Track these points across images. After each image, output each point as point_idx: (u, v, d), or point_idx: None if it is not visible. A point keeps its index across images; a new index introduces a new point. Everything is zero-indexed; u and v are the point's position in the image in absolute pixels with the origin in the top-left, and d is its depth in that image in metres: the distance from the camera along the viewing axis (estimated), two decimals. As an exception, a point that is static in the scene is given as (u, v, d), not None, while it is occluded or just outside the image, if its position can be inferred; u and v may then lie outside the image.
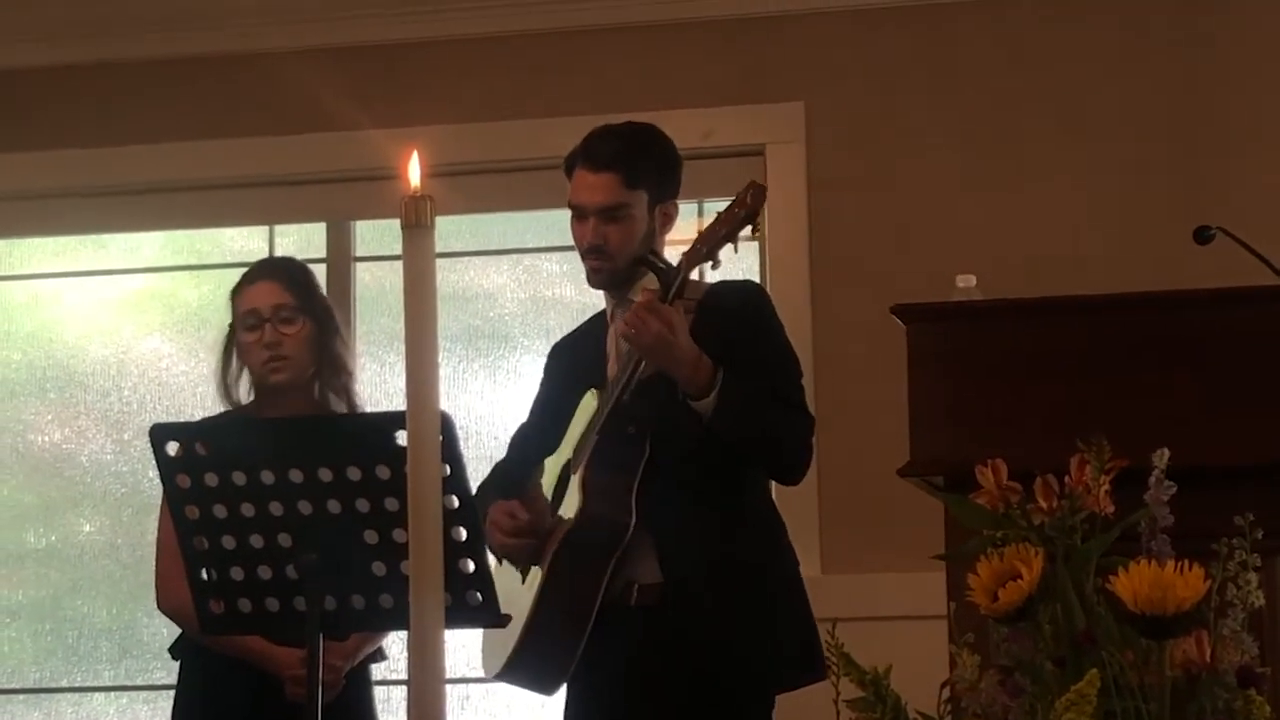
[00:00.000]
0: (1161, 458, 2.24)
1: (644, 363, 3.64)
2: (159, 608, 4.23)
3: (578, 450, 3.73)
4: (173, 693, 4.27)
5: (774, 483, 3.89)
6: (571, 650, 3.65)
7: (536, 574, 3.70)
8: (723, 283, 3.85)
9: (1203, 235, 3.88)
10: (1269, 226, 4.14)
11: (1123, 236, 5.17)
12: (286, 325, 4.16)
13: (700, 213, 5.49)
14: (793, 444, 3.73)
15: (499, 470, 4.03)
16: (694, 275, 3.72)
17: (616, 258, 3.78)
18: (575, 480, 3.70)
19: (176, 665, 4.24)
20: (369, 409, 4.46)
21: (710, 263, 3.64)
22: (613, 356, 3.86)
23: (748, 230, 3.65)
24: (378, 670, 4.93)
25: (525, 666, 3.73)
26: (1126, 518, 2.24)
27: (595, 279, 3.85)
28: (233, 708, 4.07)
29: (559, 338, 4.22)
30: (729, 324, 3.73)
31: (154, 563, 4.24)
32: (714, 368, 3.59)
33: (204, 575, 3.16)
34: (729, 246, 3.64)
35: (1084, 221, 5.24)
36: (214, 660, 4.05)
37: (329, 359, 4.23)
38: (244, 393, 4.25)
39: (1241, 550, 2.19)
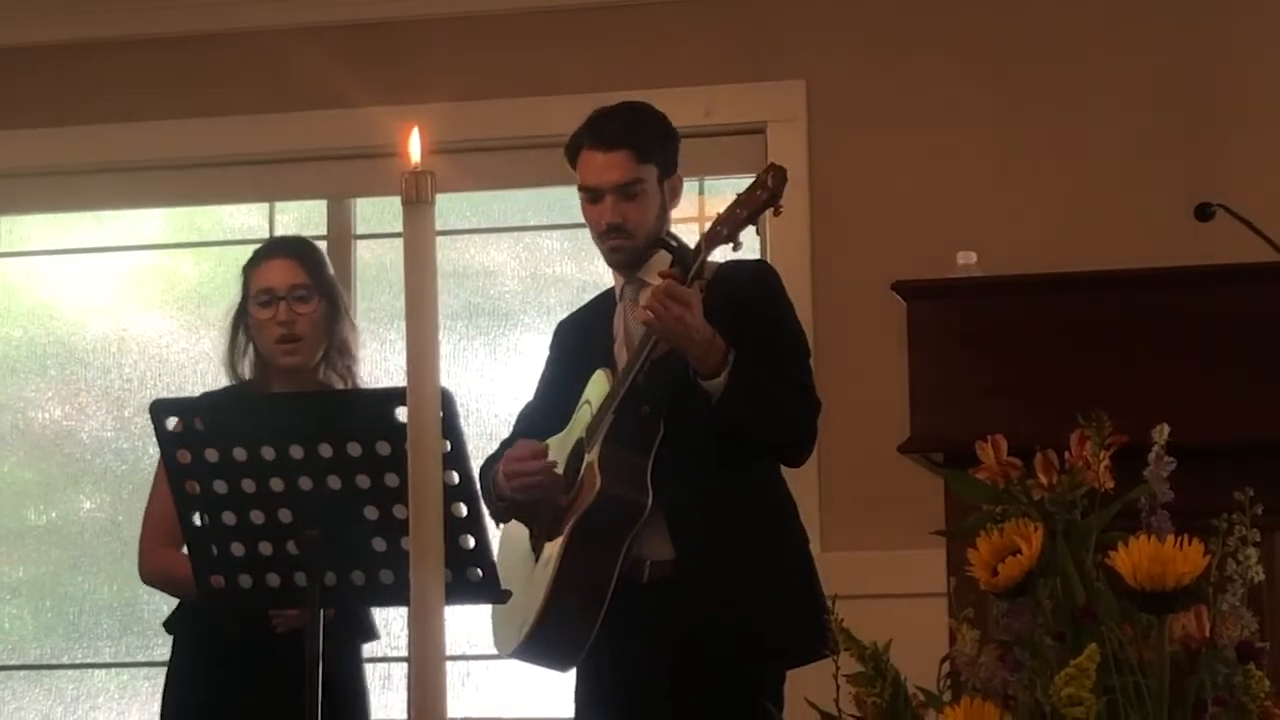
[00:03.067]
0: (1161, 433, 2.24)
1: (658, 342, 3.63)
2: (143, 580, 4.24)
3: (590, 430, 3.73)
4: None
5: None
6: (588, 628, 3.66)
7: (551, 554, 3.70)
8: (734, 262, 3.84)
9: (1204, 212, 3.88)
10: (1270, 204, 4.13)
11: (1124, 213, 5.17)
12: (301, 304, 4.16)
13: (701, 190, 5.49)
14: (797, 427, 3.73)
15: (506, 447, 4.02)
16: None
17: (636, 234, 3.78)
18: (590, 459, 3.70)
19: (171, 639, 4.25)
20: (369, 387, 4.46)
21: (731, 244, 3.64)
22: (621, 336, 3.86)
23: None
24: (378, 648, 4.94)
25: (541, 644, 3.74)
26: (1126, 493, 2.24)
27: (616, 258, 3.84)
28: (227, 683, 4.06)
29: (562, 315, 4.21)
30: (739, 304, 3.73)
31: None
32: (726, 348, 3.60)
33: (204, 551, 3.17)
34: (750, 228, 3.63)
35: (1085, 198, 5.24)
36: (209, 635, 4.04)
37: (336, 341, 4.23)
38: (248, 368, 4.25)
39: (1241, 526, 2.19)
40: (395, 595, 3.13)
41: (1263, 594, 2.29)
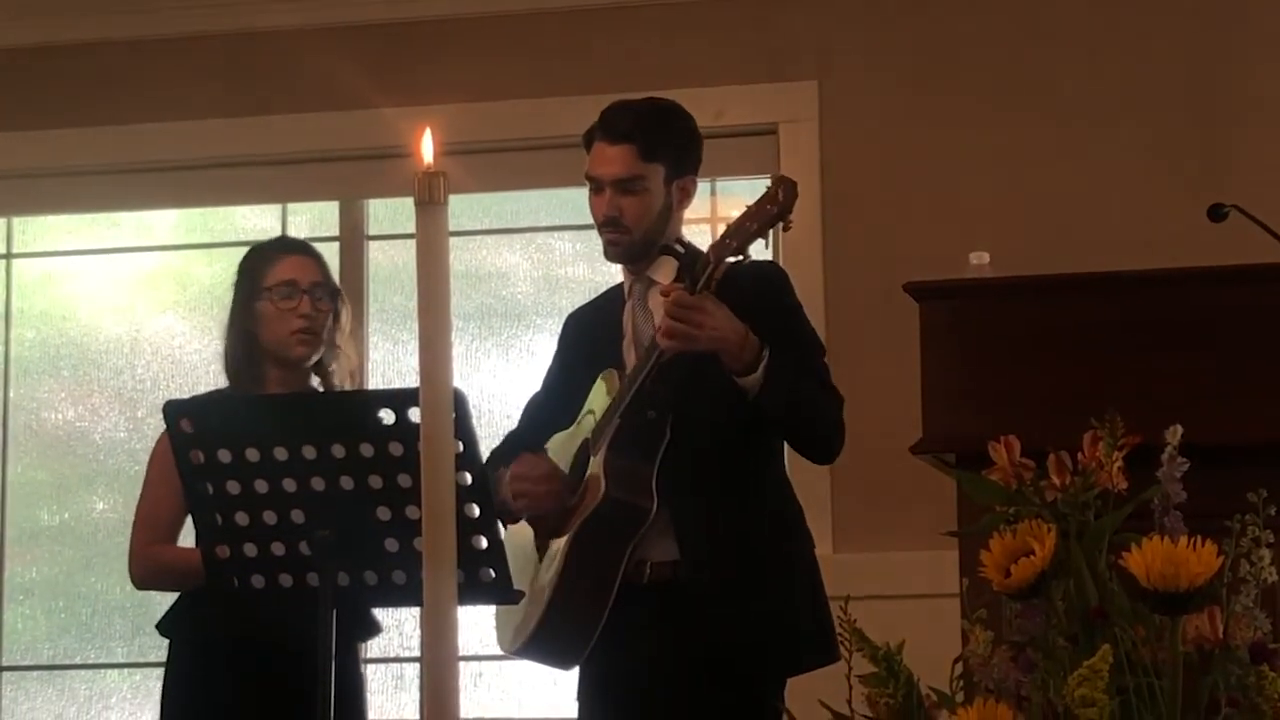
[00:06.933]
0: (1174, 434, 2.24)
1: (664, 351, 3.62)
2: (134, 583, 4.18)
3: (596, 432, 3.73)
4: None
5: (790, 466, 3.88)
6: (591, 628, 3.67)
7: (555, 553, 3.71)
8: (745, 263, 3.82)
9: (1217, 213, 3.88)
10: (1283, 204, 4.13)
11: (1137, 214, 5.16)
12: (321, 303, 4.14)
13: (713, 191, 5.50)
14: (830, 422, 3.73)
15: (511, 439, 4.02)
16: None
17: (633, 230, 3.78)
18: (596, 463, 3.70)
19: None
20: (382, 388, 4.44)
21: (741, 258, 3.61)
22: (629, 334, 3.85)
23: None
24: (390, 647, 4.94)
25: (545, 643, 3.75)
26: (1140, 494, 2.24)
27: (612, 252, 3.84)
28: (223, 685, 4.03)
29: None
30: (750, 305, 3.72)
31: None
32: (760, 344, 3.58)
33: (217, 551, 3.17)
34: (759, 241, 3.61)
35: (1098, 199, 5.24)
36: (204, 638, 4.02)
37: (330, 346, 4.19)
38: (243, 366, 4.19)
39: (1254, 527, 2.19)
40: (408, 596, 3.14)
41: (1276, 595, 2.29)
